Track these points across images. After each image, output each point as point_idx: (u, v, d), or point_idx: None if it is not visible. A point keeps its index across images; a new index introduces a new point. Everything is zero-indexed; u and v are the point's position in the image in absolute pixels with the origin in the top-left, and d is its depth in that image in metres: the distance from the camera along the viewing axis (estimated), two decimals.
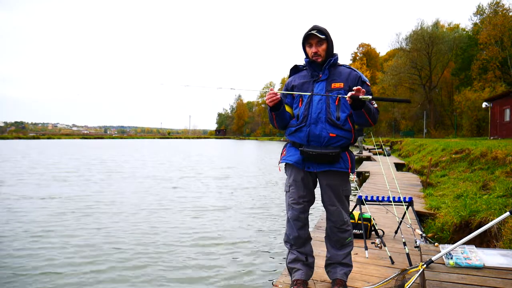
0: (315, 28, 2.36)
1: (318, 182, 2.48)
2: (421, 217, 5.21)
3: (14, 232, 5.45)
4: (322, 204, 2.50)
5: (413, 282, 2.27)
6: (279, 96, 2.30)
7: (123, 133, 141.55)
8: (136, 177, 11.99)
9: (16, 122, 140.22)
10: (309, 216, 2.55)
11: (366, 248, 3.24)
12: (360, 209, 3.73)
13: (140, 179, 11.61)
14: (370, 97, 2.12)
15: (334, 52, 2.44)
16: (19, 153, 25.44)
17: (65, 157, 21.97)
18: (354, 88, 2.12)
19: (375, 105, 2.33)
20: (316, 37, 2.35)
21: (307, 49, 2.42)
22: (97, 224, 6.01)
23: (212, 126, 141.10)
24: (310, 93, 2.35)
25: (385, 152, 16.11)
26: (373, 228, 3.77)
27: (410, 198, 3.74)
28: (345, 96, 2.19)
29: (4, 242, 4.98)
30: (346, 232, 2.47)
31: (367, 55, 62.75)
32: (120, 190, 9.39)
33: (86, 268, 4.11)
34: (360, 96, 2.10)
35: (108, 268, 4.12)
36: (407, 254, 3.05)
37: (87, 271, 4.02)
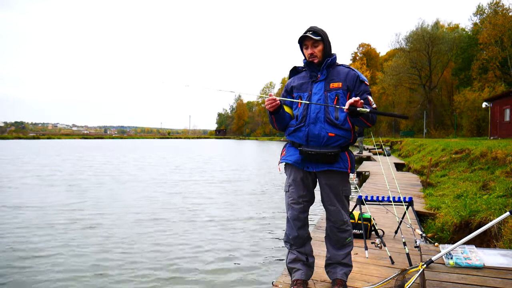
0: (310, 29, 2.37)
1: (317, 182, 2.48)
2: (421, 217, 5.20)
3: None
4: (322, 204, 2.50)
5: (413, 282, 2.27)
6: (278, 101, 2.30)
7: (123, 133, 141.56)
8: (136, 181, 11.72)
9: (16, 122, 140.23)
10: (309, 216, 2.55)
11: (366, 248, 3.24)
12: (360, 209, 3.73)
13: (140, 183, 11.46)
14: (368, 110, 2.12)
15: (333, 52, 2.44)
16: (14, 154, 25.41)
17: (65, 159, 21.92)
18: (353, 99, 2.11)
19: (374, 105, 2.32)
20: (311, 39, 2.35)
21: (304, 50, 2.42)
22: (88, 238, 5.25)
23: (212, 126, 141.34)
24: (307, 102, 2.36)
25: (385, 152, 16.10)
26: (373, 228, 3.77)
27: (410, 198, 3.74)
28: (343, 107, 2.19)
29: None
30: (346, 232, 2.47)
31: (367, 55, 62.78)
32: (118, 197, 8.73)
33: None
34: (358, 109, 2.10)
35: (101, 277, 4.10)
36: (407, 254, 3.05)
37: None
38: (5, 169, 14.39)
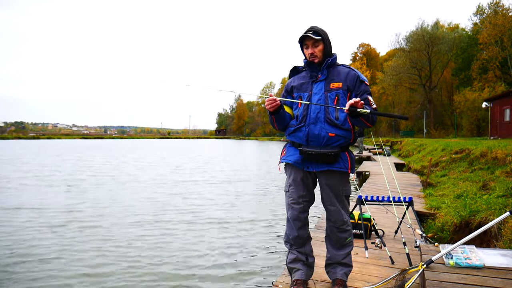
0: (310, 29, 2.37)
1: (318, 182, 2.48)
2: (421, 217, 5.20)
3: None
4: (322, 204, 2.50)
5: (413, 282, 2.27)
6: (278, 102, 2.30)
7: (123, 133, 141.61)
8: (136, 182, 11.62)
9: (16, 122, 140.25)
10: (309, 216, 2.55)
11: (366, 248, 3.24)
12: (360, 209, 3.73)
13: (140, 183, 11.36)
14: (368, 111, 2.13)
15: (333, 52, 2.44)
16: (14, 154, 25.38)
17: (64, 159, 21.89)
18: (353, 99, 2.11)
19: (374, 106, 2.32)
20: (312, 39, 2.35)
21: (304, 50, 2.42)
22: (87, 240, 5.10)
23: (212, 126, 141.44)
24: (307, 102, 2.36)
25: (385, 152, 16.09)
26: (373, 228, 3.77)
27: (410, 198, 3.74)
28: (343, 108, 2.19)
29: None
30: (346, 232, 2.47)
31: (367, 55, 62.77)
32: (118, 198, 8.62)
33: None
34: (358, 109, 2.10)
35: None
36: (407, 254, 3.05)
37: None
38: (5, 170, 14.38)
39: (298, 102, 2.42)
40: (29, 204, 7.63)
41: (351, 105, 2.11)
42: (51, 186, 10.17)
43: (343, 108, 2.20)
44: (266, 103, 2.30)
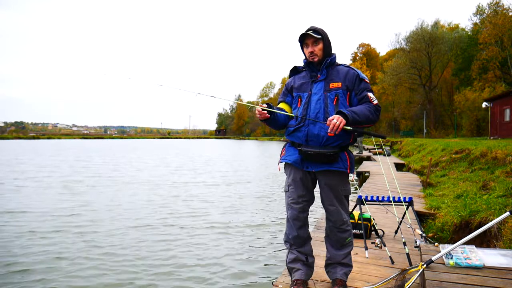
0: (311, 28, 2.39)
1: (317, 182, 2.48)
2: (421, 217, 5.20)
3: None
4: (322, 204, 2.50)
5: (413, 282, 2.27)
6: (266, 114, 2.34)
7: (123, 133, 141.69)
8: (136, 183, 11.50)
9: (16, 122, 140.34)
10: (309, 216, 2.55)
11: (366, 248, 3.24)
12: (360, 209, 3.73)
13: (139, 185, 11.24)
14: (351, 128, 2.19)
15: (333, 52, 2.45)
16: (13, 154, 25.35)
17: (63, 160, 21.85)
18: (329, 128, 2.16)
19: (375, 102, 2.33)
20: (312, 37, 2.37)
21: (304, 49, 2.44)
22: (82, 245, 4.90)
23: (212, 126, 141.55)
24: (306, 103, 2.39)
25: (385, 152, 16.09)
26: (373, 228, 3.77)
27: (410, 198, 3.74)
28: (328, 130, 2.24)
29: None
30: (345, 232, 2.47)
31: (367, 55, 62.75)
32: (115, 200, 8.32)
33: None
34: (343, 127, 2.16)
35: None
36: (407, 254, 3.05)
37: None
38: (3, 170, 14.37)
39: (298, 102, 2.45)
40: (26, 206, 7.52)
41: (331, 130, 2.17)
42: (49, 187, 10.14)
43: (328, 132, 2.24)
44: (256, 114, 2.37)
